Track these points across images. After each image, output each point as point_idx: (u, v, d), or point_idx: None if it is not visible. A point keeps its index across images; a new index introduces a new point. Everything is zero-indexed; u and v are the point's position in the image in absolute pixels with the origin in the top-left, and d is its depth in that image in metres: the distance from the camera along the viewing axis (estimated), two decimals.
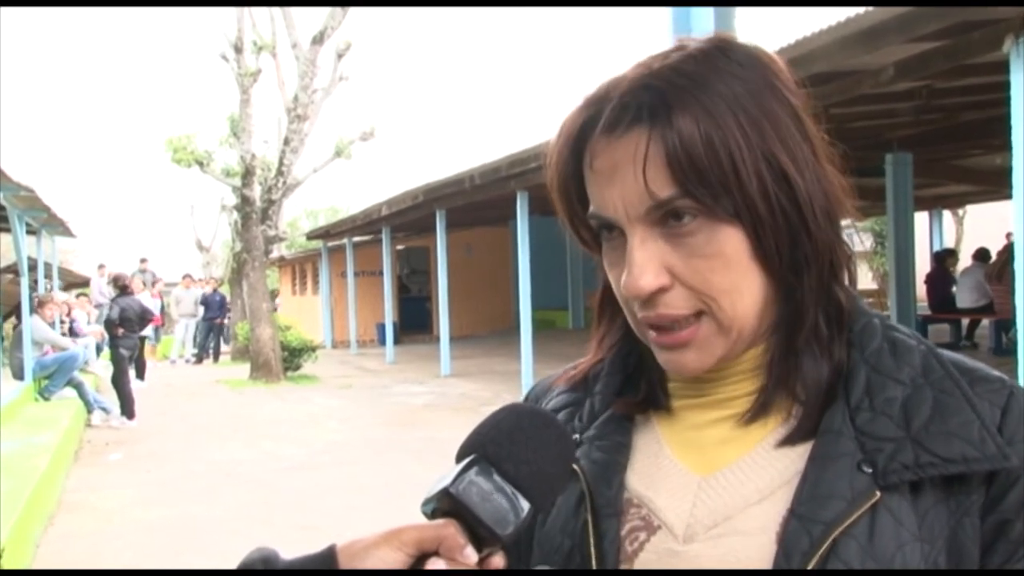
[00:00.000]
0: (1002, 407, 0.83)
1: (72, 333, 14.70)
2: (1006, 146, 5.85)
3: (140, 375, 15.71)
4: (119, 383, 12.21)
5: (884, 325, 0.90)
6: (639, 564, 0.87)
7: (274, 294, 27.10)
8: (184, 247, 43.70)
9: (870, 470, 0.81)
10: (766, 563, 0.81)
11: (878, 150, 12.04)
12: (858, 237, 26.83)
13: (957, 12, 5.98)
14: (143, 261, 22.94)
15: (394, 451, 9.64)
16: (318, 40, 17.60)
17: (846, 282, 0.90)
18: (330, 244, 25.08)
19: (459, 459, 0.78)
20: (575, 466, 0.91)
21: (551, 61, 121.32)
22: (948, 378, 0.85)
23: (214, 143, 19.76)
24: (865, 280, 26.96)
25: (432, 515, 0.76)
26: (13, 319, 15.10)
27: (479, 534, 0.74)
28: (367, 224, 20.67)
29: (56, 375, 12.43)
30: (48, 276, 18.17)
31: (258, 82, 18.76)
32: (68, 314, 14.78)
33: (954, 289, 14.51)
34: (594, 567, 0.86)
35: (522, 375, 13.33)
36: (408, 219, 18.78)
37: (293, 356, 17.88)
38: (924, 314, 14.65)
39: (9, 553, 5.35)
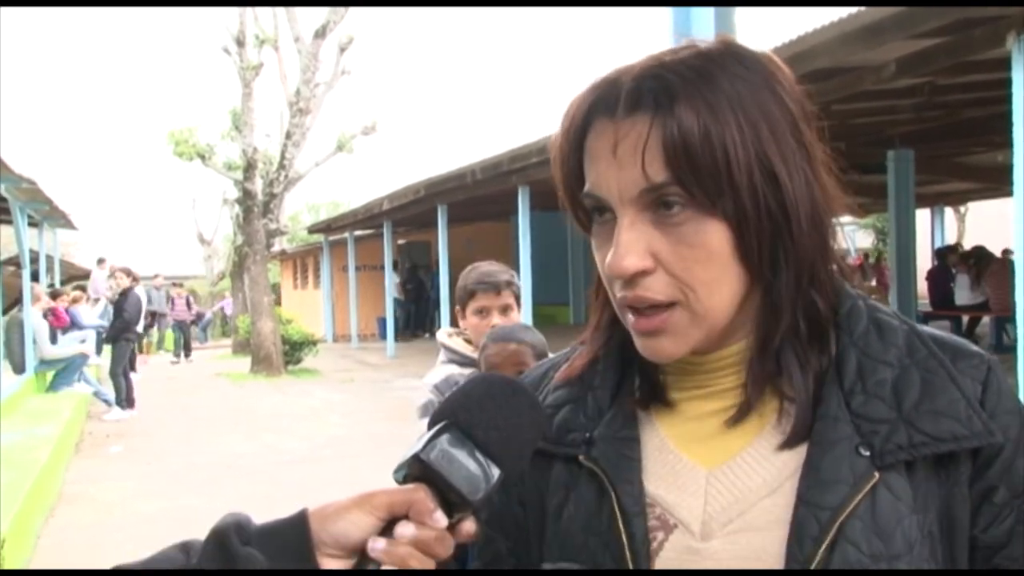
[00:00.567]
0: (983, 382, 0.89)
1: (75, 326, 14.70)
2: (1007, 143, 5.85)
3: (133, 367, 15.71)
4: (118, 374, 12.30)
5: (868, 306, 0.93)
6: (660, 563, 0.88)
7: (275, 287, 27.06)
8: (186, 240, 43.74)
9: (867, 452, 0.85)
10: (780, 555, 0.84)
11: (880, 147, 12.03)
12: (861, 233, 26.79)
13: (958, 9, 5.98)
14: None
15: (396, 445, 9.62)
16: (320, 34, 17.59)
17: (838, 283, 0.92)
18: (331, 238, 25.06)
19: (431, 426, 0.79)
20: (591, 464, 0.93)
21: (552, 57, 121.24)
22: (932, 357, 0.89)
23: (216, 136, 19.75)
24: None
25: (404, 481, 0.77)
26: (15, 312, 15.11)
27: (450, 499, 0.75)
28: (368, 218, 20.65)
29: (64, 373, 12.50)
30: (50, 269, 18.16)
31: (260, 76, 18.74)
32: (67, 309, 14.79)
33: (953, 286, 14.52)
34: (630, 566, 0.88)
35: None
36: (409, 213, 18.75)
37: (294, 350, 17.91)
38: (925, 311, 14.65)
39: (10, 544, 5.37)
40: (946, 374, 0.88)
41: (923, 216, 17.41)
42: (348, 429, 10.94)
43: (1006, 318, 12.58)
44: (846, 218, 0.93)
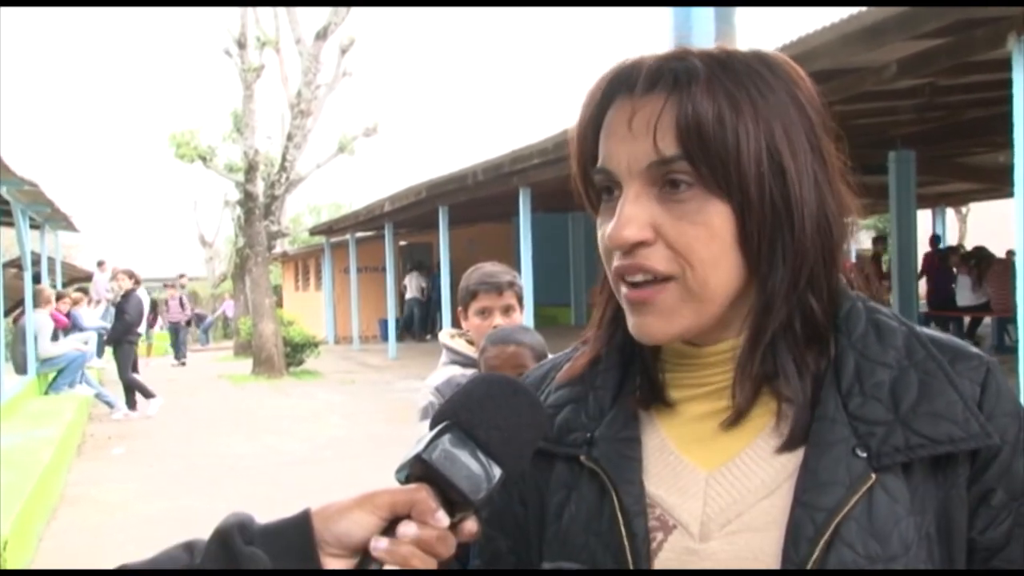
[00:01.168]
0: (981, 383, 0.88)
1: (76, 328, 14.72)
2: (1008, 144, 5.85)
3: (135, 368, 15.71)
4: (127, 376, 12.34)
5: (867, 307, 0.93)
6: (659, 563, 0.89)
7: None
8: (187, 242, 43.75)
9: (864, 454, 0.85)
10: (778, 556, 0.84)
11: (881, 147, 12.02)
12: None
13: (959, 10, 5.98)
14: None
15: (397, 446, 9.55)
16: (321, 36, 17.61)
17: (837, 285, 0.92)
18: (333, 240, 25.07)
19: (433, 427, 0.80)
20: (593, 464, 0.93)
21: (553, 59, 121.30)
22: (930, 359, 0.89)
23: (217, 139, 19.82)
24: None
25: (406, 481, 0.77)
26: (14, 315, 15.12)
27: (452, 499, 0.76)
28: (370, 220, 20.65)
29: (65, 372, 12.52)
30: (51, 271, 18.17)
31: (261, 78, 18.77)
32: (67, 314, 14.78)
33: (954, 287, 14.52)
34: (631, 566, 0.88)
35: None
36: (411, 215, 18.76)
37: (296, 351, 17.91)
38: (925, 311, 14.65)
39: (12, 546, 5.37)
40: (944, 376, 0.88)
41: (924, 217, 17.39)
42: (349, 430, 10.95)
43: (1008, 319, 12.59)
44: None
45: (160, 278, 23.88)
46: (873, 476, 0.84)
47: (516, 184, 13.15)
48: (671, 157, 0.85)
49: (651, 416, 0.96)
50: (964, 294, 14.05)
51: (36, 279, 14.50)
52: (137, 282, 13.05)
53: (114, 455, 9.85)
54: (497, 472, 0.77)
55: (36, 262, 15.73)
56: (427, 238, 22.93)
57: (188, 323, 23.40)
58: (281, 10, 18.54)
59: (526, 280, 13.08)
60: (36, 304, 12.57)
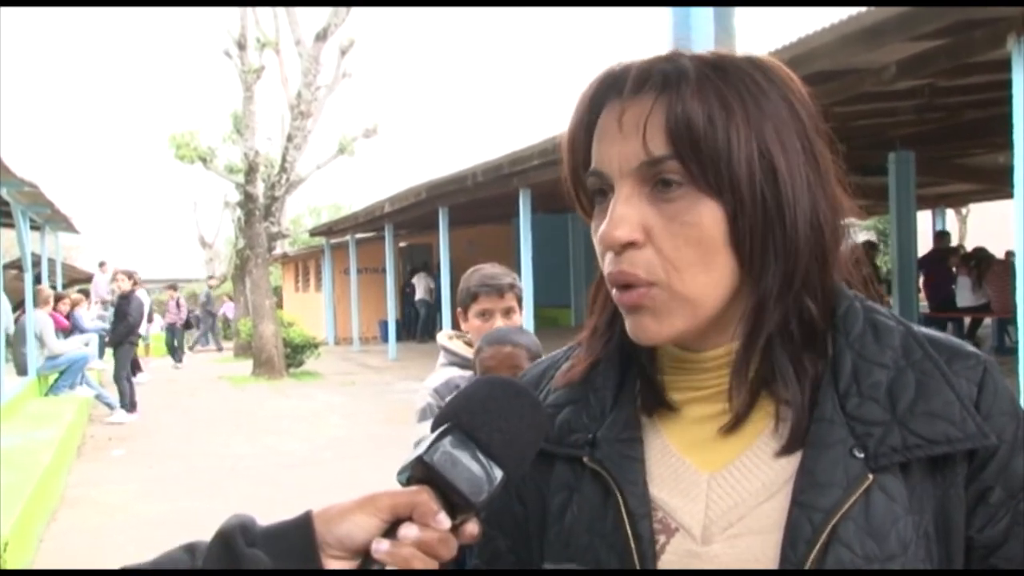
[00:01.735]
0: (978, 383, 0.88)
1: (77, 329, 14.71)
2: (1008, 144, 5.85)
3: (135, 370, 15.67)
4: (122, 378, 12.32)
5: (865, 307, 0.93)
6: (661, 566, 0.89)
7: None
8: (187, 244, 43.77)
9: (862, 455, 0.85)
10: (778, 557, 0.84)
11: (880, 149, 12.02)
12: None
13: (958, 11, 5.98)
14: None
15: (397, 447, 9.58)
16: (321, 37, 17.61)
17: (835, 286, 0.92)
18: (333, 241, 25.07)
19: (434, 429, 0.80)
20: (596, 466, 0.93)
21: (553, 59, 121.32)
22: (928, 359, 0.89)
23: (217, 140, 19.81)
24: None
25: (407, 483, 0.78)
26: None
27: (453, 501, 0.76)
28: (370, 221, 20.66)
29: (66, 373, 12.51)
30: (51, 272, 18.17)
31: (261, 79, 18.76)
32: (68, 315, 14.78)
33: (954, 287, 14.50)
34: (636, 568, 0.88)
35: None
36: (411, 216, 18.77)
37: (296, 353, 17.92)
38: (925, 312, 14.63)
39: (12, 548, 5.37)
40: (941, 376, 0.88)
41: (924, 218, 17.39)
42: (349, 431, 10.95)
43: (1008, 320, 12.58)
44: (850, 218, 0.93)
45: (159, 279, 23.80)
46: (870, 476, 0.84)
47: (516, 185, 13.15)
48: (661, 157, 0.85)
49: (652, 419, 0.96)
50: (964, 295, 14.04)
51: (36, 280, 14.49)
52: (136, 283, 13.05)
53: (114, 456, 9.85)
54: (498, 474, 0.77)
55: (36, 263, 15.72)
56: (427, 239, 22.93)
57: (187, 325, 23.33)
58: (281, 11, 18.54)
59: (526, 281, 13.08)
60: (35, 304, 12.57)
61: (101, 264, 21.92)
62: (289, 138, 18.09)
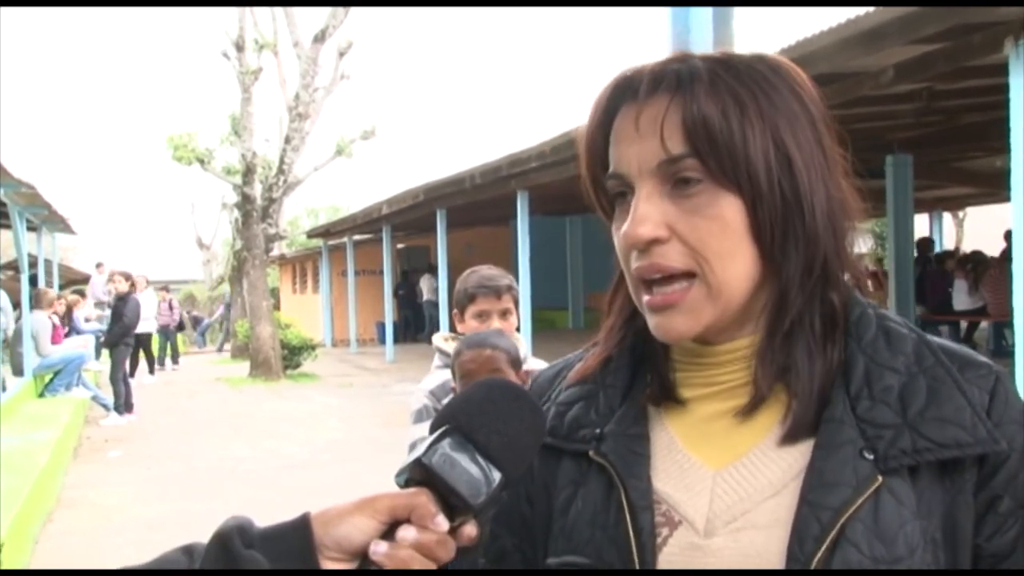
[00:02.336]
0: (990, 391, 0.89)
1: (74, 331, 14.69)
2: (1006, 148, 5.85)
3: (132, 372, 15.52)
4: (118, 380, 12.31)
5: (877, 315, 0.94)
6: (663, 558, 0.89)
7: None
8: (184, 245, 43.73)
9: (871, 456, 0.86)
10: (782, 554, 0.85)
11: (878, 152, 12.02)
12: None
13: (957, 14, 5.98)
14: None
15: (395, 449, 9.59)
16: (319, 38, 17.61)
17: (849, 289, 0.93)
18: (330, 243, 25.06)
19: (433, 431, 0.80)
20: (601, 459, 0.94)
21: (551, 60, 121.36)
22: (939, 365, 0.90)
23: (215, 141, 19.75)
24: None
25: (406, 485, 0.78)
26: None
27: (451, 503, 0.76)
28: (367, 223, 20.65)
29: (62, 373, 12.50)
30: (48, 273, 18.16)
31: (259, 80, 18.77)
32: (67, 316, 14.75)
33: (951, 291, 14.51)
34: (636, 562, 0.89)
35: None
36: (408, 218, 18.77)
37: (293, 354, 17.90)
38: (922, 315, 14.63)
39: (8, 549, 5.36)
40: (953, 383, 0.89)
41: (922, 221, 17.41)
42: (347, 433, 10.94)
43: (1004, 323, 12.58)
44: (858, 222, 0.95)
45: (157, 281, 23.72)
46: (880, 478, 0.85)
47: (514, 187, 13.15)
48: (679, 155, 0.87)
49: (660, 414, 0.97)
50: (960, 298, 14.05)
51: (33, 281, 14.47)
52: (133, 284, 13.02)
53: (111, 458, 9.84)
54: (497, 476, 0.77)
55: (33, 264, 15.72)
56: (425, 241, 22.94)
57: (180, 327, 23.25)
58: (279, 13, 18.54)
59: (524, 283, 13.09)
60: (39, 305, 12.55)
61: (98, 265, 21.89)
62: (287, 139, 18.09)
